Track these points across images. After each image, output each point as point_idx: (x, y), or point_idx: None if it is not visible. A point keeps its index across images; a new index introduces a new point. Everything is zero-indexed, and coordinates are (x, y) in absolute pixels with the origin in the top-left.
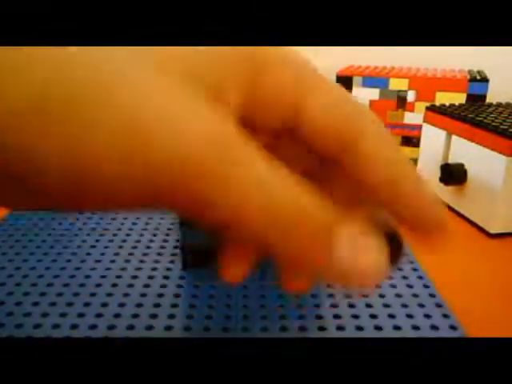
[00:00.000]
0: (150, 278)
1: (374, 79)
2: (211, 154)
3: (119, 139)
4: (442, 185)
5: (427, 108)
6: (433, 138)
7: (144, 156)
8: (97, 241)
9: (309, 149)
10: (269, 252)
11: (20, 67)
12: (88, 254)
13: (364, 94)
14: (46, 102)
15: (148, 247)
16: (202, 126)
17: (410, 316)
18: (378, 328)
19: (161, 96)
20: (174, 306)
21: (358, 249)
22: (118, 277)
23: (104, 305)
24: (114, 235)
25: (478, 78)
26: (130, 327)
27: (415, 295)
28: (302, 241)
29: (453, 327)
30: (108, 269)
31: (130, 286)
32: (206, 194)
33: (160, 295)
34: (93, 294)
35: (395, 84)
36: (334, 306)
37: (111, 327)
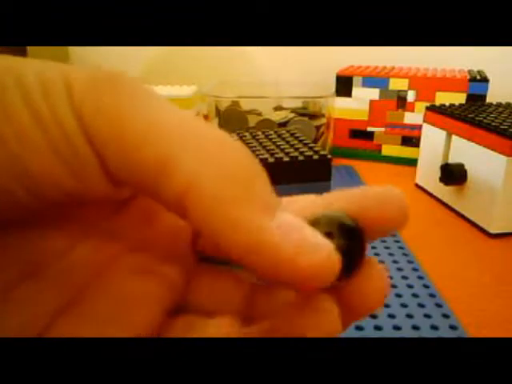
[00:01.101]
0: None
1: (374, 79)
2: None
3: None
4: (441, 185)
5: (427, 108)
6: (433, 138)
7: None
8: None
9: None
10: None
11: None
12: None
13: (364, 94)
14: None
15: None
16: None
17: (409, 316)
18: (378, 328)
19: None
20: None
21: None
22: None
23: None
24: None
25: (478, 78)
26: None
27: (415, 295)
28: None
29: (453, 327)
30: None
31: None
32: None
33: None
34: None
35: (395, 84)
36: None
37: None
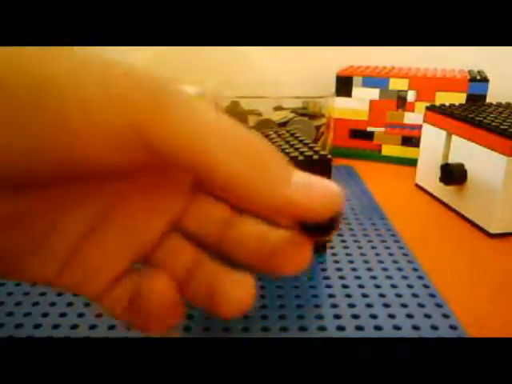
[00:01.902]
0: None
1: (374, 79)
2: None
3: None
4: (441, 185)
5: (427, 108)
6: (433, 138)
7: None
8: None
9: None
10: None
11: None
12: None
13: (364, 94)
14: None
15: None
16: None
17: (409, 316)
18: (378, 328)
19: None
20: None
21: (310, 185)
22: None
23: None
24: None
25: (478, 78)
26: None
27: (415, 295)
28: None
29: (453, 327)
30: None
31: None
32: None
33: None
34: None
35: (395, 84)
36: (333, 306)
37: (111, 327)
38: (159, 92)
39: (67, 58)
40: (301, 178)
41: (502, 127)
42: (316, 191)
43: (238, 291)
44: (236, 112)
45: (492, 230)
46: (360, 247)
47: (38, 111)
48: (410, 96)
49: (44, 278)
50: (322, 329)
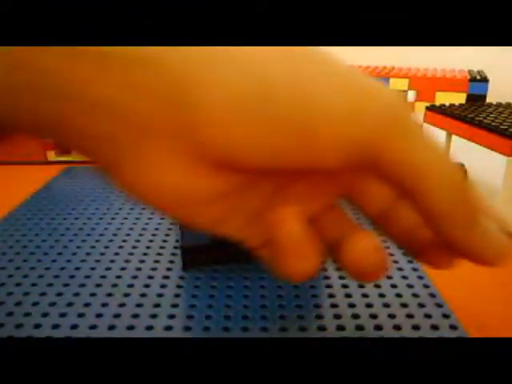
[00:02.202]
0: (150, 277)
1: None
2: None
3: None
4: None
5: (427, 108)
6: None
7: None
8: (97, 241)
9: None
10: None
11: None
12: (88, 253)
13: None
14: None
15: (148, 247)
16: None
17: (410, 316)
18: (378, 328)
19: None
20: (174, 306)
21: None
22: (118, 277)
23: (104, 305)
24: (114, 235)
25: (478, 78)
26: (130, 327)
27: (415, 295)
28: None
29: (453, 327)
30: (108, 269)
31: (130, 286)
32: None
33: (160, 295)
34: (93, 294)
35: (395, 84)
36: (333, 306)
37: (111, 327)
38: (394, 113)
39: (313, 66)
40: (494, 233)
41: (502, 127)
42: (499, 253)
43: (361, 242)
44: None
45: None
46: None
47: (297, 120)
48: (410, 96)
49: (229, 230)
50: (322, 329)
